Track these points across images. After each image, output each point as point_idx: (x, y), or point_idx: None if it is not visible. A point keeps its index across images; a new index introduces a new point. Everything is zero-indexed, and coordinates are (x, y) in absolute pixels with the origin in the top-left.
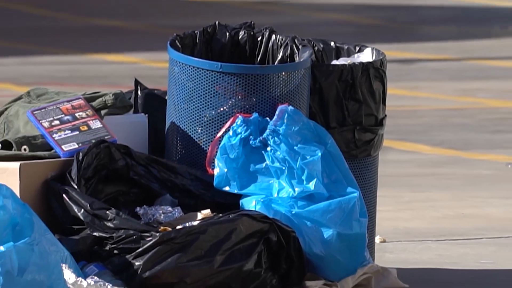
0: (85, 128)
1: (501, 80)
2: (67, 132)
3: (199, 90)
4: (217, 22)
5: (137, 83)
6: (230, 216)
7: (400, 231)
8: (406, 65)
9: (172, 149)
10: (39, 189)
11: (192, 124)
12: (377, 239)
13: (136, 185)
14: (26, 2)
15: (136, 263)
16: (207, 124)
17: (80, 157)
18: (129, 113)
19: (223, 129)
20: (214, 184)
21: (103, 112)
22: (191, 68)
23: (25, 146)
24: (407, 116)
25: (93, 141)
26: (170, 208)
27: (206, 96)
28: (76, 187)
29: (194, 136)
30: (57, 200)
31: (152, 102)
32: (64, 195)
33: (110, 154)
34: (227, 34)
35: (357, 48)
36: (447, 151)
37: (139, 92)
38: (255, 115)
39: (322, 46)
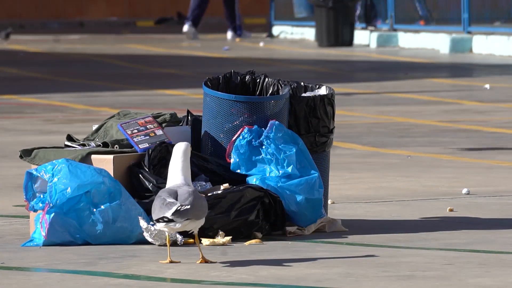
0: (153, 134)
1: (404, 105)
2: (142, 137)
3: (221, 111)
4: (232, 70)
5: (188, 111)
6: (240, 188)
7: (343, 196)
8: (346, 96)
9: (205, 147)
10: (124, 171)
11: (217, 132)
12: (329, 201)
13: None
14: (116, 57)
15: None
16: (226, 132)
17: (150, 152)
18: (179, 126)
19: (236, 135)
20: (231, 168)
21: (163, 125)
22: (217, 98)
23: (116, 145)
24: (347, 127)
25: (158, 142)
26: (204, 183)
27: (225, 115)
28: (147, 170)
29: (218, 139)
30: (136, 178)
31: (195, 122)
32: (139, 175)
33: (167, 150)
34: (238, 77)
35: (317, 86)
36: (371, 148)
37: (189, 117)
38: (255, 127)
39: (296, 84)
